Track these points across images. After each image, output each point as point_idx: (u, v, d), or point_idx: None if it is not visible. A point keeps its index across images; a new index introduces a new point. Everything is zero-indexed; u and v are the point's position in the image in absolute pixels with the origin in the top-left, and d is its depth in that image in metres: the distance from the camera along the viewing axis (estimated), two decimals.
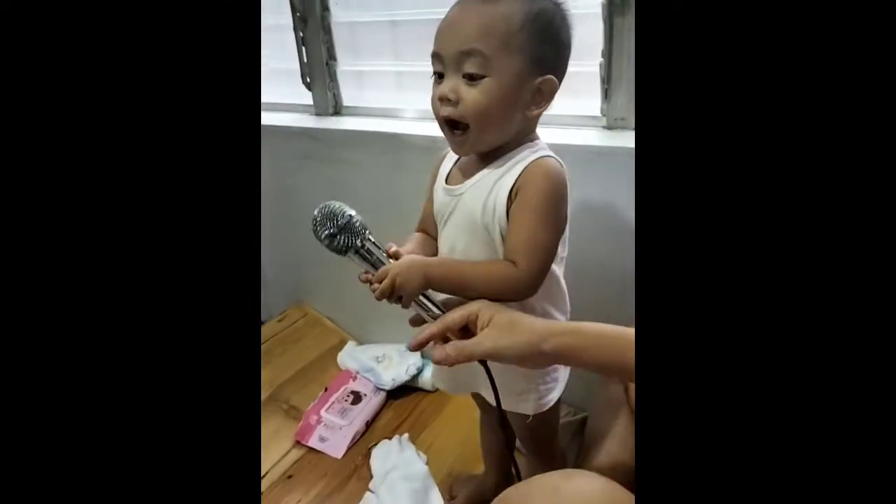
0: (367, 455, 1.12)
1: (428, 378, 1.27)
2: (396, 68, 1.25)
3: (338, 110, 1.36)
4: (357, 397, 1.24)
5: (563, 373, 0.79)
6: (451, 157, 0.75)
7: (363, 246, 0.64)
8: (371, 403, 1.23)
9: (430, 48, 1.22)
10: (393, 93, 1.29)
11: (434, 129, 1.09)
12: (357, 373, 1.30)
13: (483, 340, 0.57)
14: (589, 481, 0.49)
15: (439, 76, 0.65)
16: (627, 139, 0.97)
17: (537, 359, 0.56)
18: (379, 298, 0.64)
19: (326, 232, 0.63)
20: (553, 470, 0.89)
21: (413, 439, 1.14)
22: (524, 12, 0.61)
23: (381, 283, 0.63)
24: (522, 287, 0.65)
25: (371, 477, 1.05)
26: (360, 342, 1.43)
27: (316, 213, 0.64)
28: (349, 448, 1.14)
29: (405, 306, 0.65)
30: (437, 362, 0.59)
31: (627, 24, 0.92)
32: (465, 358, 0.58)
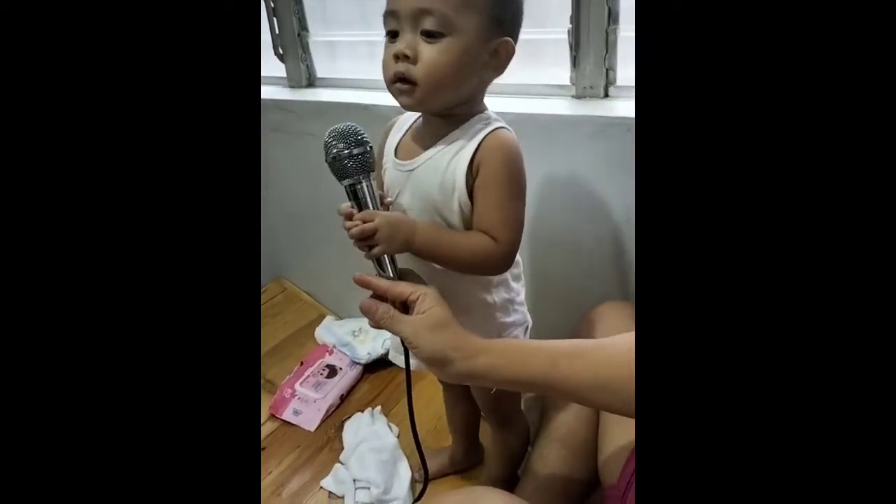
0: (340, 428, 1.12)
1: None
2: (368, 38, 1.23)
3: (311, 82, 1.34)
4: (332, 371, 1.25)
5: None
6: (398, 128, 0.73)
7: (367, 181, 0.61)
8: (346, 377, 1.23)
9: None
10: (366, 63, 1.27)
11: None
12: (333, 347, 1.31)
13: (408, 324, 0.57)
14: (492, 500, 0.49)
15: (393, 35, 0.62)
16: (596, 108, 0.95)
17: (445, 371, 0.56)
18: (355, 236, 0.60)
19: (342, 149, 0.59)
20: (515, 439, 0.91)
21: (387, 412, 1.15)
22: None
23: (364, 222, 0.60)
24: (502, 260, 0.65)
25: (343, 449, 1.06)
26: (339, 317, 1.44)
27: (339, 126, 0.61)
28: (323, 421, 1.15)
29: (369, 257, 0.62)
30: (362, 309, 0.60)
31: None
32: (385, 325, 0.58)
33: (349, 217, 0.61)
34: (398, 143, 0.71)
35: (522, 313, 0.77)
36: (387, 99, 1.12)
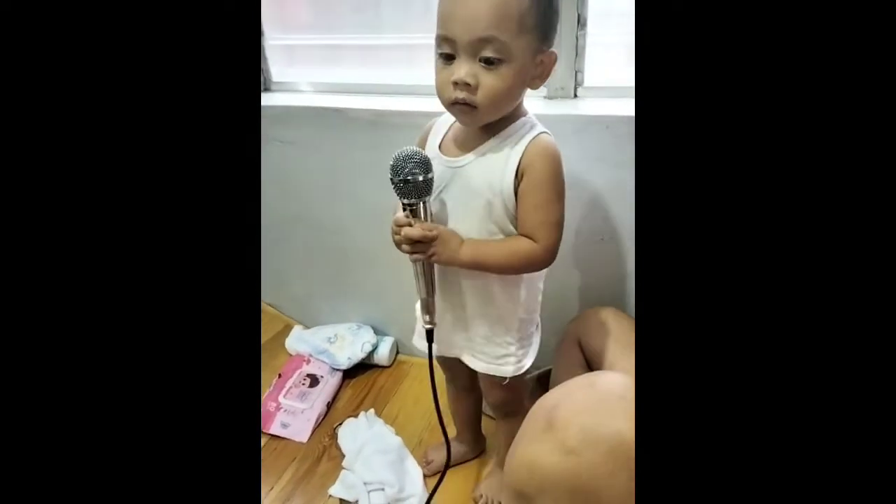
0: (333, 435, 1.11)
1: (384, 353, 1.28)
2: (328, 41, 1.22)
3: (267, 86, 1.30)
4: (314, 380, 1.23)
5: (535, 338, 0.84)
6: (439, 128, 0.76)
7: (427, 200, 0.69)
8: (329, 384, 1.22)
9: (364, 21, 1.20)
10: (325, 67, 1.26)
11: (379, 104, 1.10)
12: (310, 356, 1.28)
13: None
14: (615, 376, 0.54)
15: (448, 58, 0.64)
16: (568, 107, 1.01)
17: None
18: (412, 239, 0.68)
19: (418, 174, 0.66)
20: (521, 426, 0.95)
21: (377, 414, 1.16)
22: None
23: (423, 231, 0.67)
24: (544, 260, 0.70)
25: (342, 456, 1.05)
26: (307, 326, 1.41)
27: (409, 151, 0.66)
28: (313, 431, 1.13)
29: (416, 260, 0.71)
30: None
31: None
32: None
33: (406, 225, 0.67)
34: (441, 141, 0.74)
35: (538, 313, 0.83)
36: (355, 102, 1.13)
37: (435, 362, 0.82)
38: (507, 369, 0.81)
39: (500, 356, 0.80)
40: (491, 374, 0.83)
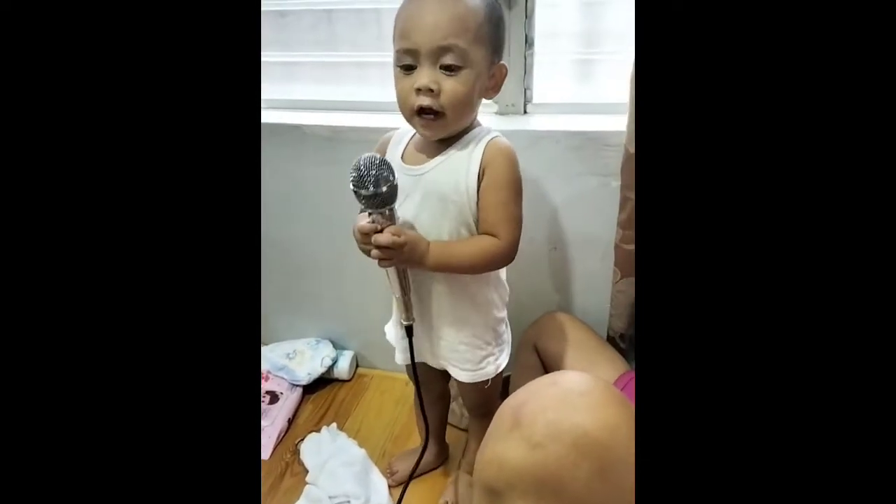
0: (296, 451, 1.11)
1: (344, 367, 1.28)
2: (283, 59, 1.23)
3: None
4: (274, 397, 1.22)
5: (507, 335, 0.87)
6: (397, 141, 0.78)
7: (393, 206, 0.69)
8: (289, 400, 1.21)
9: (321, 39, 1.22)
10: (280, 84, 1.26)
11: (335, 120, 1.12)
12: (269, 372, 1.27)
13: None
14: (576, 375, 0.57)
15: (408, 69, 0.67)
16: (519, 123, 1.06)
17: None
18: (381, 245, 0.68)
19: (385, 185, 0.66)
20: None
21: (339, 428, 1.16)
22: (485, 4, 0.67)
23: (392, 235, 0.67)
24: (507, 255, 0.73)
25: (306, 471, 1.05)
26: (265, 343, 1.39)
27: (372, 158, 0.66)
28: (275, 448, 1.12)
29: (385, 266, 0.71)
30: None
31: (516, 14, 1.01)
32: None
33: (375, 232, 0.68)
34: (403, 153, 0.76)
35: (506, 311, 0.86)
36: (311, 118, 1.15)
37: (407, 370, 0.83)
38: (489, 370, 0.84)
39: (481, 359, 0.83)
40: (476, 381, 0.84)
